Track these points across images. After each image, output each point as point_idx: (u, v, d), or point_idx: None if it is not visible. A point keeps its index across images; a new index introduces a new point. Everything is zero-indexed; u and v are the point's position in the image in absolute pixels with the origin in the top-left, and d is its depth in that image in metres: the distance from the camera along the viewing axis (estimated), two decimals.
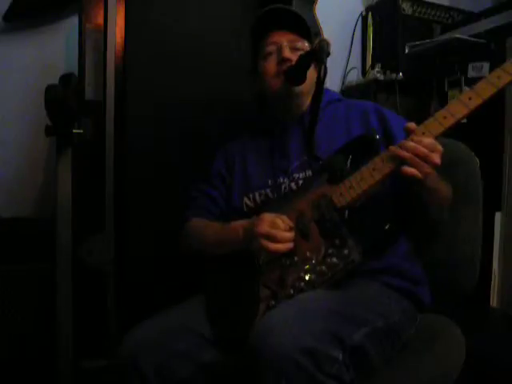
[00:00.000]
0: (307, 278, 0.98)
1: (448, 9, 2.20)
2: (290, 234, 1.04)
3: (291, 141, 1.25)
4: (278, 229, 1.04)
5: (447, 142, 1.20)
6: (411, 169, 0.92)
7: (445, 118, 0.94)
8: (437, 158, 0.93)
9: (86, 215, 1.66)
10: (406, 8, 2.12)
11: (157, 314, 1.10)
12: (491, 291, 1.71)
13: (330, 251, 0.99)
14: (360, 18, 2.32)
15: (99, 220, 1.71)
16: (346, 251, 0.97)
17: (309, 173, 1.18)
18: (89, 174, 1.71)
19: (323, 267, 0.98)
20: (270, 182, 1.23)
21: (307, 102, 1.27)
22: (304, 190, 1.14)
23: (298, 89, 1.22)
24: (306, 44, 1.26)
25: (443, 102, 1.96)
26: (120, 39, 1.77)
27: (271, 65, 1.26)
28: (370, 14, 2.25)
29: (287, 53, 1.23)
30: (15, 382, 1.62)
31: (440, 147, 0.94)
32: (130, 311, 1.72)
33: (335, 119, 1.25)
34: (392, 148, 0.96)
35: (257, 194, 1.23)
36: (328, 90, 1.31)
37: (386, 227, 0.98)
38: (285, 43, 1.24)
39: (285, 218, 1.07)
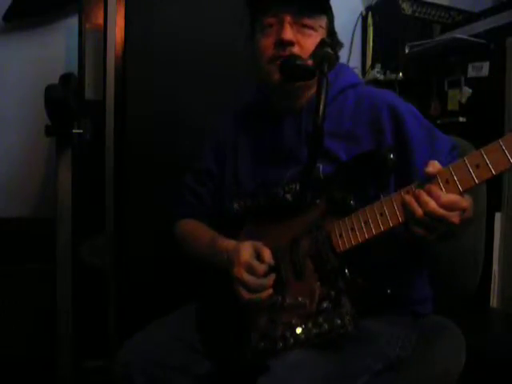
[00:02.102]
0: (298, 331, 0.89)
1: (448, 9, 2.20)
2: (267, 282, 0.94)
3: (287, 140, 1.09)
4: (254, 274, 0.94)
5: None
6: (420, 230, 0.79)
7: (478, 166, 0.74)
8: (455, 218, 0.77)
9: (86, 215, 1.66)
10: (406, 8, 2.11)
11: (150, 327, 1.07)
12: (491, 291, 1.71)
13: (325, 305, 0.89)
14: (360, 18, 2.32)
15: (99, 220, 1.71)
16: (338, 321, 0.86)
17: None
18: (89, 174, 1.71)
19: (314, 330, 0.88)
20: (261, 189, 1.09)
21: (309, 92, 1.07)
22: (300, 207, 0.99)
23: (296, 83, 1.04)
24: (320, 22, 1.03)
25: (443, 102, 1.96)
26: (120, 39, 1.76)
27: (268, 43, 1.03)
28: (369, 13, 2.25)
29: (288, 33, 0.99)
30: (16, 382, 1.62)
31: (465, 203, 0.78)
32: (130, 311, 1.72)
33: (342, 116, 1.06)
34: (407, 199, 0.80)
35: (248, 201, 1.11)
36: (343, 69, 1.12)
37: (388, 291, 0.87)
38: (288, 18, 0.99)
39: (266, 254, 0.96)
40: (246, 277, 0.94)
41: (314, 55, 0.95)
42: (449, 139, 1.03)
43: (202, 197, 1.23)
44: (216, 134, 1.26)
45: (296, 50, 1.01)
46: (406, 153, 0.99)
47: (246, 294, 0.94)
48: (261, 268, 0.95)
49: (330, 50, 0.92)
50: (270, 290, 0.95)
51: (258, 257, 0.97)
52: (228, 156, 1.20)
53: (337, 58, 1.00)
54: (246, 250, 0.97)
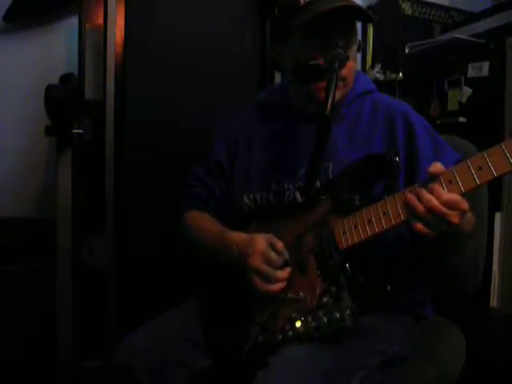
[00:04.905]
0: (297, 325, 0.90)
1: (448, 9, 2.20)
2: (283, 273, 0.95)
3: (303, 139, 1.10)
4: (271, 264, 0.95)
5: (456, 141, 1.18)
6: (421, 226, 0.80)
7: (480, 168, 0.76)
8: (455, 218, 0.78)
9: (86, 215, 1.67)
10: (406, 8, 2.12)
11: (151, 321, 1.07)
12: (491, 291, 1.71)
13: (325, 300, 0.90)
14: None
15: (99, 220, 1.71)
16: (337, 314, 0.87)
17: (317, 184, 1.03)
18: (89, 174, 1.71)
19: (313, 324, 0.89)
20: (272, 185, 1.10)
21: None
22: (308, 206, 1.01)
23: (314, 85, 1.04)
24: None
25: (443, 102, 1.97)
26: (120, 39, 1.77)
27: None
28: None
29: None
30: (16, 382, 1.62)
31: (465, 205, 0.79)
32: (130, 311, 1.72)
33: (359, 119, 1.09)
34: (409, 196, 0.82)
35: (258, 196, 1.12)
36: (360, 76, 1.15)
37: (388, 288, 0.88)
38: (337, 42, 1.00)
39: (280, 245, 0.97)
40: (264, 267, 0.95)
41: (325, 56, 0.97)
42: (455, 154, 1.04)
43: (213, 190, 1.22)
44: (229, 129, 1.25)
45: None
46: (414, 162, 1.01)
47: (262, 285, 0.95)
48: (278, 259, 0.96)
49: (340, 51, 0.95)
50: (285, 283, 0.95)
51: (272, 248, 0.97)
52: (240, 151, 1.19)
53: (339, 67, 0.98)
54: (262, 241, 0.97)
